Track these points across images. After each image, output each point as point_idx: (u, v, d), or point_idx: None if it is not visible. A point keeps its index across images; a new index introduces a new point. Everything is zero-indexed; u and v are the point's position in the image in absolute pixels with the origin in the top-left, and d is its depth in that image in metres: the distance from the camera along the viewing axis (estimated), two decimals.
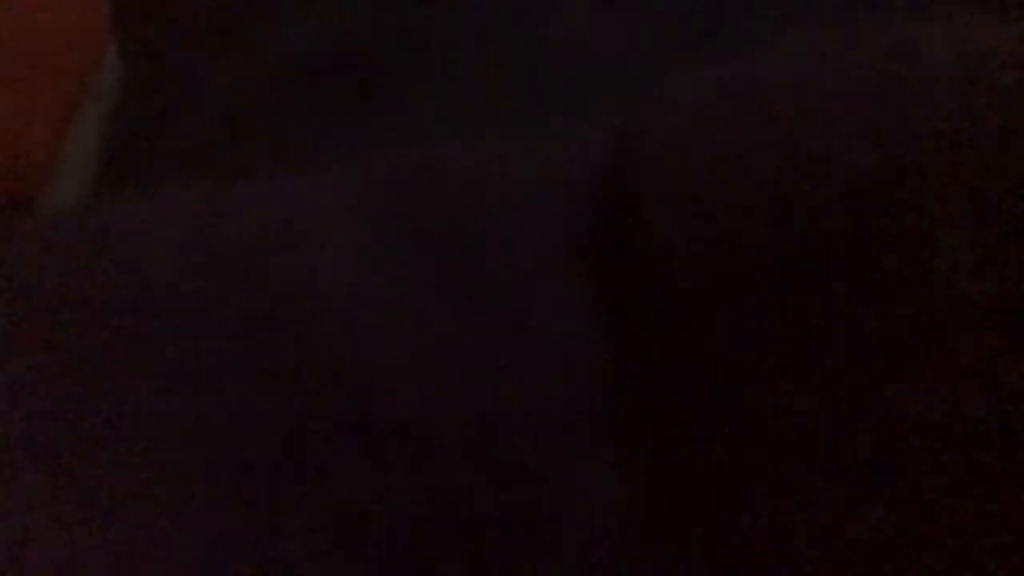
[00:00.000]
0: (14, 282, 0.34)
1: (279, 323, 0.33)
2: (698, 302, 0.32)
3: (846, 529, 0.30)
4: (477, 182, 0.36)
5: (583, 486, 0.32)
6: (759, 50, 0.35)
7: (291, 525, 0.31)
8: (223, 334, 0.33)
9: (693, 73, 0.36)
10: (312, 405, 0.32)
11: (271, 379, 0.32)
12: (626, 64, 0.43)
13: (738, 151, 0.33)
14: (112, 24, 0.55)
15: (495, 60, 0.44)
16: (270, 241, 0.34)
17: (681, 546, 0.31)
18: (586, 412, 0.32)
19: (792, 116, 0.33)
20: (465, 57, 0.45)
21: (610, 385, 0.32)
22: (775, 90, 0.33)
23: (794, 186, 0.32)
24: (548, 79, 0.44)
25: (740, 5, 0.44)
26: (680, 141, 0.34)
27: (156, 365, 0.33)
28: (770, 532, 0.31)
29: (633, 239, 0.33)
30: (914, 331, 0.30)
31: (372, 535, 0.31)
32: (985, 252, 0.30)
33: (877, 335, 0.31)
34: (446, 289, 0.33)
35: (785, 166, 0.32)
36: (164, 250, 0.35)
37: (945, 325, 0.30)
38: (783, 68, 0.34)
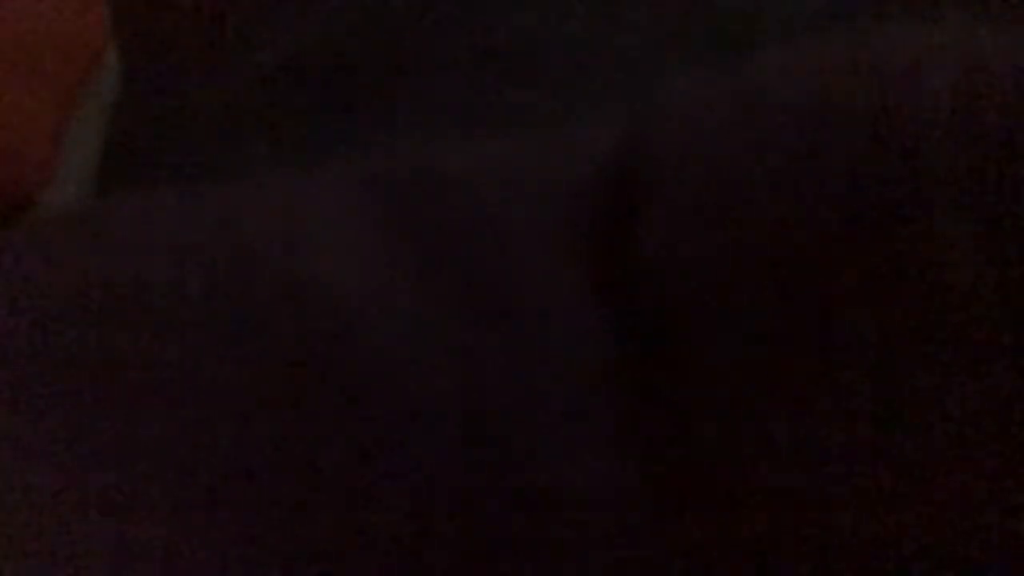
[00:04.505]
0: (14, 282, 0.34)
1: (279, 322, 0.33)
2: (698, 302, 0.32)
3: (842, 523, 0.30)
4: (477, 182, 0.36)
5: (583, 483, 0.32)
6: (760, 50, 0.35)
7: (291, 523, 0.31)
8: (223, 333, 0.33)
9: (695, 74, 0.36)
10: (311, 404, 0.32)
11: (270, 378, 0.32)
12: (627, 64, 0.43)
13: (739, 154, 0.33)
14: (112, 24, 0.55)
15: (494, 60, 0.44)
16: (270, 241, 0.35)
17: (679, 540, 0.31)
18: (586, 410, 0.32)
19: (793, 119, 0.33)
20: (464, 58, 0.45)
21: (609, 383, 0.32)
22: (777, 93, 0.33)
23: (795, 188, 0.32)
24: (547, 79, 0.44)
25: (740, 5, 0.44)
26: (682, 143, 0.34)
27: (156, 364, 0.33)
28: (766, 527, 0.31)
29: (634, 239, 0.33)
30: (913, 333, 0.30)
31: (372, 533, 0.31)
32: (986, 255, 0.30)
33: (876, 336, 0.31)
34: (446, 288, 0.33)
35: (786, 169, 0.32)
36: (164, 250, 0.35)
37: (944, 328, 0.30)
38: (785, 71, 0.34)
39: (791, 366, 0.31)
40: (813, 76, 0.33)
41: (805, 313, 0.31)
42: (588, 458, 0.32)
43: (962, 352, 0.30)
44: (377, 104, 0.45)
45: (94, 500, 0.31)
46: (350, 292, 0.34)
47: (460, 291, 0.34)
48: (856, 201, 0.31)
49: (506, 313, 0.33)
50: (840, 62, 0.34)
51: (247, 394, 0.32)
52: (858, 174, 0.32)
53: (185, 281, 0.34)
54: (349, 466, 0.32)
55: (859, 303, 0.31)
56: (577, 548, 0.31)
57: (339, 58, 0.46)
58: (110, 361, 0.33)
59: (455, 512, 0.31)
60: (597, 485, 0.32)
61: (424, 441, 0.32)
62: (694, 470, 0.31)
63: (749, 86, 0.34)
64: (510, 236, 0.34)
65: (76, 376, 0.33)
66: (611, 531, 0.31)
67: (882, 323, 0.31)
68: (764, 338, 0.31)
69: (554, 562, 0.31)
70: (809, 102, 0.33)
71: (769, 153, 0.32)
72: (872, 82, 0.33)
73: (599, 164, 0.35)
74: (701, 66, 0.37)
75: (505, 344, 0.33)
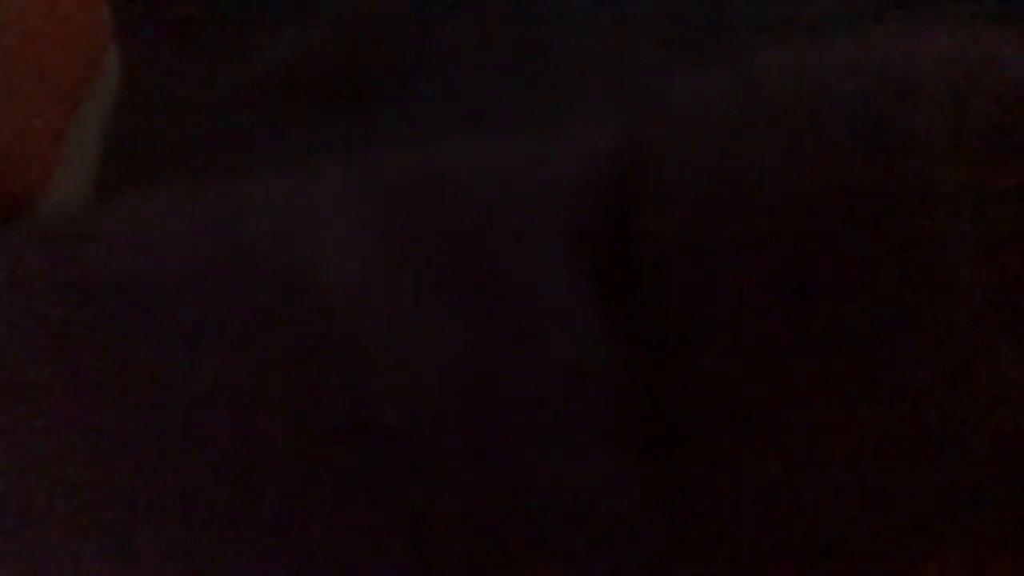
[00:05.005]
0: (15, 282, 0.34)
1: (281, 322, 0.33)
2: (698, 302, 0.32)
3: (845, 524, 0.30)
4: (478, 182, 0.36)
5: (584, 484, 0.32)
6: (759, 52, 0.35)
7: (289, 523, 0.31)
8: (224, 334, 0.33)
9: (695, 74, 0.36)
10: (313, 404, 0.32)
11: (272, 377, 0.32)
12: (626, 64, 0.43)
13: (739, 153, 0.33)
14: (112, 24, 0.55)
15: (494, 61, 0.44)
16: (270, 241, 0.34)
17: (679, 539, 0.31)
18: (587, 411, 0.32)
19: (793, 119, 0.33)
20: (464, 58, 0.45)
21: (611, 384, 0.32)
22: (777, 93, 0.33)
23: (795, 188, 0.32)
24: (548, 79, 0.44)
25: (739, 5, 0.44)
26: (682, 143, 0.34)
27: (156, 364, 0.33)
28: (768, 528, 0.31)
29: (634, 240, 0.33)
30: (913, 332, 0.30)
31: (373, 534, 0.31)
32: (985, 256, 0.30)
33: (876, 335, 0.31)
34: (447, 289, 0.33)
35: (786, 169, 0.32)
36: (163, 250, 0.35)
37: (944, 327, 0.30)
38: (784, 71, 0.34)
39: (793, 364, 0.31)
40: (813, 76, 0.33)
41: (806, 311, 0.31)
42: (589, 458, 0.32)
43: (962, 350, 0.30)
44: (378, 105, 0.45)
45: (92, 499, 0.31)
46: (350, 292, 0.33)
47: (460, 291, 0.34)
48: (855, 200, 0.31)
49: (506, 313, 0.33)
50: (840, 62, 0.34)
51: (246, 394, 0.32)
52: (857, 173, 0.32)
53: (185, 281, 0.34)
54: (349, 466, 0.32)
55: (860, 301, 0.31)
56: (577, 547, 0.31)
57: (340, 59, 0.46)
58: (109, 361, 0.33)
59: (456, 511, 0.31)
60: (597, 484, 0.32)
61: (424, 441, 0.32)
62: (695, 469, 0.31)
63: (749, 86, 0.34)
64: (510, 236, 0.34)
65: (75, 376, 0.33)
66: (611, 530, 0.31)
67: (883, 321, 0.31)
68: (765, 336, 0.31)
69: (554, 561, 0.31)
70: (809, 102, 0.33)
71: (769, 153, 0.33)
72: (871, 81, 0.33)
73: (599, 164, 0.35)
74: (701, 66, 0.37)
75: (505, 344, 0.33)
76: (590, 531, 0.31)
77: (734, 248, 0.32)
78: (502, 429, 0.32)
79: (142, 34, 0.53)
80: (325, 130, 0.45)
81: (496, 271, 0.34)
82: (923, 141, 0.31)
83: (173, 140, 0.49)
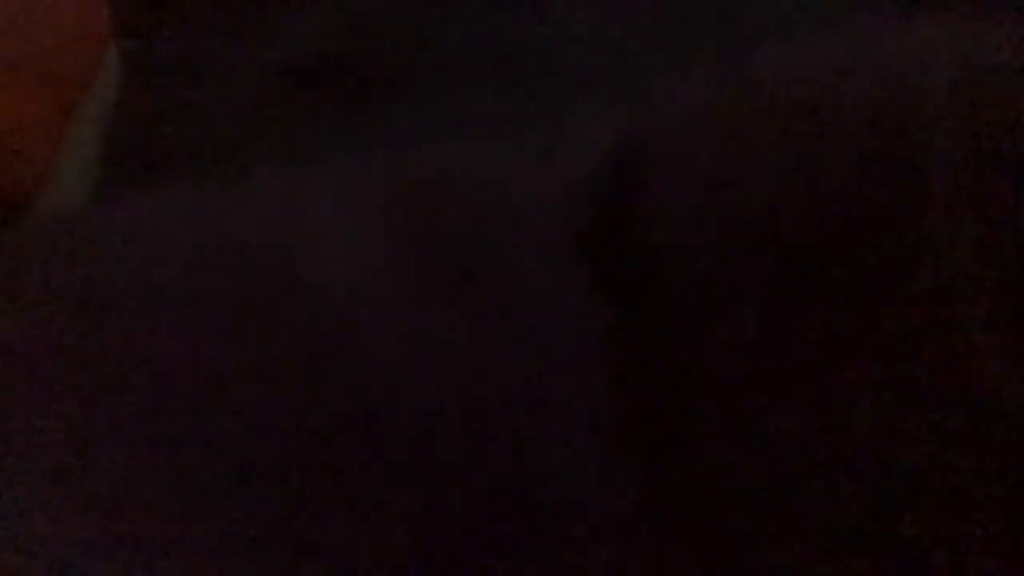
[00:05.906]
0: (15, 282, 0.34)
1: (282, 322, 0.33)
2: (697, 301, 0.32)
3: (845, 522, 0.30)
4: (478, 182, 0.36)
5: (584, 481, 0.32)
6: (759, 50, 0.36)
7: (294, 522, 0.31)
8: (226, 333, 0.33)
9: (694, 73, 0.36)
10: (314, 402, 0.32)
11: (274, 377, 0.32)
12: (626, 64, 0.43)
13: (738, 151, 0.33)
14: (112, 24, 0.55)
15: (494, 60, 0.44)
16: (273, 241, 0.35)
17: (679, 538, 0.31)
18: (586, 409, 0.32)
19: (792, 117, 0.33)
20: (464, 58, 0.45)
21: (610, 382, 0.32)
22: (775, 90, 0.33)
23: (794, 187, 0.32)
24: (547, 79, 0.44)
25: (738, 4, 0.44)
26: (681, 141, 0.34)
27: (158, 364, 0.33)
28: (766, 524, 0.31)
29: (633, 239, 0.33)
30: (910, 332, 0.30)
31: (375, 531, 0.31)
32: (986, 254, 0.30)
33: (875, 334, 0.31)
34: (448, 288, 0.33)
35: (785, 166, 0.32)
36: (165, 249, 0.35)
37: (941, 327, 0.30)
38: (784, 68, 0.34)
39: (792, 363, 0.31)
40: (813, 75, 0.34)
41: (806, 310, 0.31)
42: (587, 455, 0.32)
43: (960, 350, 0.30)
44: (379, 105, 0.45)
45: (94, 499, 0.31)
46: (350, 292, 0.34)
47: (460, 291, 0.34)
48: (855, 200, 0.31)
49: (506, 313, 0.33)
50: (840, 62, 0.34)
51: (247, 395, 0.32)
52: (857, 173, 0.32)
53: (185, 281, 0.34)
54: (350, 465, 0.32)
55: (858, 301, 0.31)
56: (574, 543, 0.31)
57: (340, 59, 0.46)
58: (110, 361, 0.33)
59: (455, 510, 0.31)
60: (596, 482, 0.32)
61: (424, 440, 0.32)
62: (695, 469, 0.31)
63: (749, 85, 0.34)
64: (510, 236, 0.34)
65: (76, 376, 0.33)
66: (608, 526, 0.31)
67: (881, 320, 0.31)
68: (765, 335, 0.31)
69: (552, 557, 0.31)
70: (808, 101, 0.33)
71: (768, 152, 0.33)
72: (872, 81, 0.33)
73: (598, 164, 0.35)
74: (701, 66, 0.37)
75: (505, 344, 0.33)
76: (587, 527, 0.31)
77: (733, 248, 0.32)
78: (501, 427, 0.32)
79: (142, 34, 0.53)
80: (325, 129, 0.45)
81: (496, 270, 0.34)
82: (923, 140, 0.31)
83: (173, 140, 0.49)
